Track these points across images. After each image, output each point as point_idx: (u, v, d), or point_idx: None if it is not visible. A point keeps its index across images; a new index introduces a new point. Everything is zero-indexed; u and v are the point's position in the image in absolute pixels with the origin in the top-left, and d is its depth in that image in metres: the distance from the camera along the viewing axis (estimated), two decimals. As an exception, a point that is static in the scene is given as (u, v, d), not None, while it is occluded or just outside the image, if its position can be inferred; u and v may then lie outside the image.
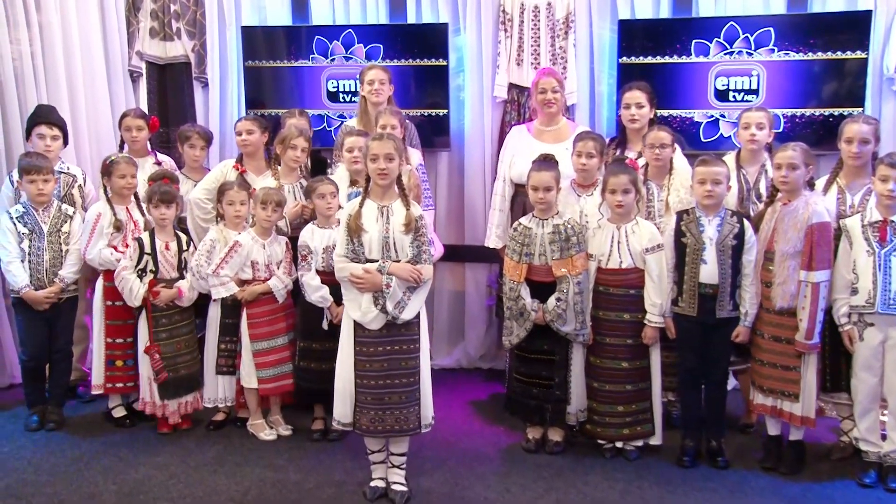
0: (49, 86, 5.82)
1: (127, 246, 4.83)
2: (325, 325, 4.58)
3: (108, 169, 4.86)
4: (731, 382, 4.88)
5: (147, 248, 4.75)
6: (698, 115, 5.52)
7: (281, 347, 4.77)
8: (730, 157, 4.73)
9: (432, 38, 5.84)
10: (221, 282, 4.69)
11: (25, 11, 5.70)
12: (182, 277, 4.81)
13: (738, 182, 4.63)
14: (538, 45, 5.72)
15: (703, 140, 5.51)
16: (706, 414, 4.47)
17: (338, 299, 4.42)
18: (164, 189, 4.78)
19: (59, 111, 5.39)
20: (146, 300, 4.72)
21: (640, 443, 4.52)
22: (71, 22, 5.93)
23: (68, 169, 5.28)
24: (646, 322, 4.36)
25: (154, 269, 4.75)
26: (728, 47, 5.41)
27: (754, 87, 5.42)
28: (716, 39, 5.42)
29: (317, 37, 5.99)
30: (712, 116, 5.50)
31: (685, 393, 4.52)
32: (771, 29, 5.35)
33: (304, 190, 4.89)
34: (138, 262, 4.73)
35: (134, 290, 4.71)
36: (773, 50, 5.35)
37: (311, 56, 6.00)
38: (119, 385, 4.95)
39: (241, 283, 4.74)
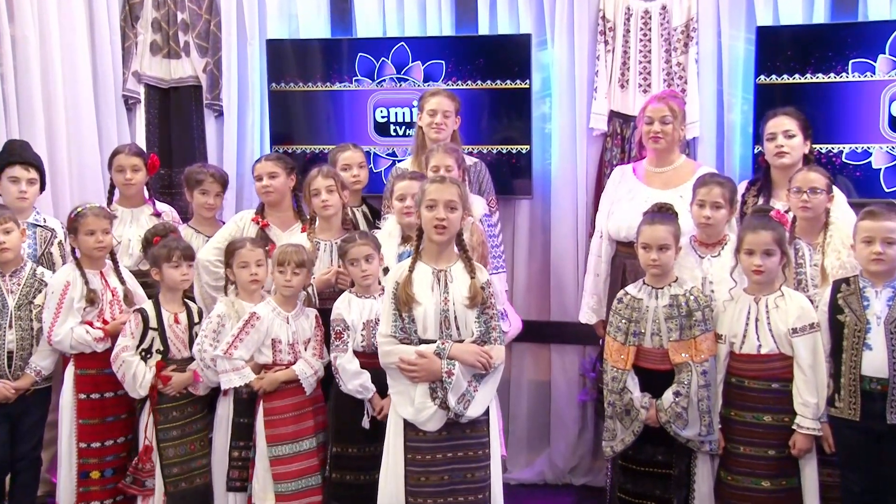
0: (22, 116, 5.95)
1: (105, 322, 4.89)
2: (365, 423, 4.59)
3: (72, 224, 4.92)
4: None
5: (153, 323, 4.79)
6: (862, 150, 5.48)
7: (307, 453, 4.73)
8: None
9: (511, 54, 5.93)
10: (234, 366, 4.67)
11: (-6, 22, 5.87)
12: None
13: None
14: (648, 62, 5.77)
15: (844, 161, 5.47)
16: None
17: (382, 388, 4.45)
18: (185, 244, 4.90)
19: (33, 148, 5.50)
20: (153, 389, 4.76)
21: (791, 593, 4.41)
22: (51, 36, 6.08)
23: (45, 221, 5.38)
24: (795, 427, 4.29)
25: (162, 348, 4.80)
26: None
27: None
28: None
29: (362, 53, 6.12)
30: (865, 151, 5.45)
31: (852, 527, 4.41)
32: None
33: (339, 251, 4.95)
34: (141, 341, 4.77)
35: (139, 376, 4.72)
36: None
37: (354, 77, 6.14)
38: None
39: (258, 368, 4.75)
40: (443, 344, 4.00)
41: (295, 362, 4.74)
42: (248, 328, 4.68)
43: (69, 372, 4.93)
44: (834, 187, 4.72)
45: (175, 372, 4.78)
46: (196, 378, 4.80)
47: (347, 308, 4.64)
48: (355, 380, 4.54)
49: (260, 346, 4.71)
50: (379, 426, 4.47)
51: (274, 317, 4.72)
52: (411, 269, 4.10)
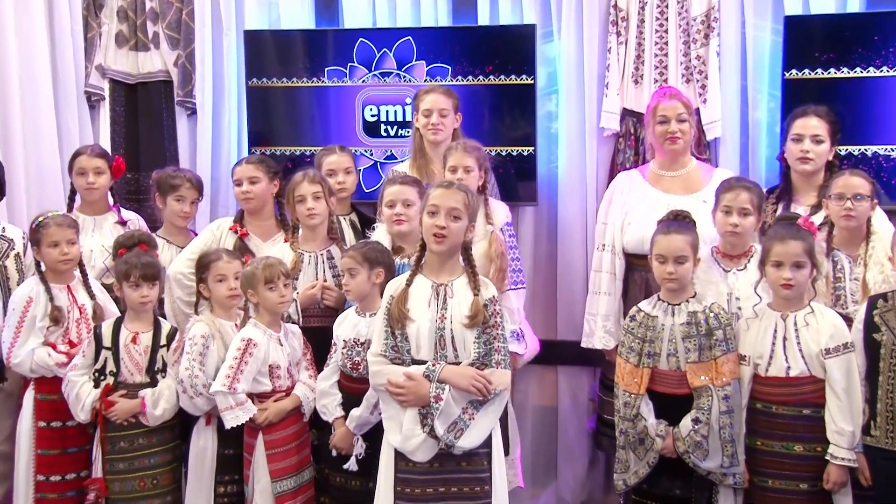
0: (-27, 116, 5.97)
1: (72, 345, 4.85)
2: (332, 450, 4.57)
3: (34, 236, 4.90)
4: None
5: (106, 341, 4.73)
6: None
7: (308, 483, 4.72)
8: None
9: (514, 47, 5.92)
10: (239, 401, 4.54)
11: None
12: (152, 383, 4.74)
13: None
14: (665, 56, 5.77)
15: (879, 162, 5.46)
16: None
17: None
18: (147, 261, 4.79)
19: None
20: (97, 413, 4.68)
21: None
22: (6, 26, 6.07)
23: (4, 231, 5.33)
24: (828, 458, 4.26)
25: (115, 369, 4.73)
26: None
27: None
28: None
29: (351, 45, 6.10)
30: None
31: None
32: None
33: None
34: (95, 361, 4.71)
35: (81, 397, 4.65)
36: None
37: (341, 72, 6.13)
38: None
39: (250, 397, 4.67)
40: (433, 365, 3.98)
41: (293, 387, 4.71)
42: (246, 357, 4.58)
43: (28, 397, 4.88)
44: (869, 193, 4.71)
45: (123, 398, 4.69)
46: (143, 407, 4.68)
47: (340, 323, 4.65)
48: (321, 399, 4.59)
49: (256, 374, 4.64)
50: (347, 456, 4.48)
51: (268, 340, 4.65)
52: (409, 283, 4.08)
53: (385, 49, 6.02)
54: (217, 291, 4.78)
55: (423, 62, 6.00)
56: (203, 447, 4.76)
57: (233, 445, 4.71)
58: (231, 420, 4.53)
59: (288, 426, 4.65)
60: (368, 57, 6.05)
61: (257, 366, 4.59)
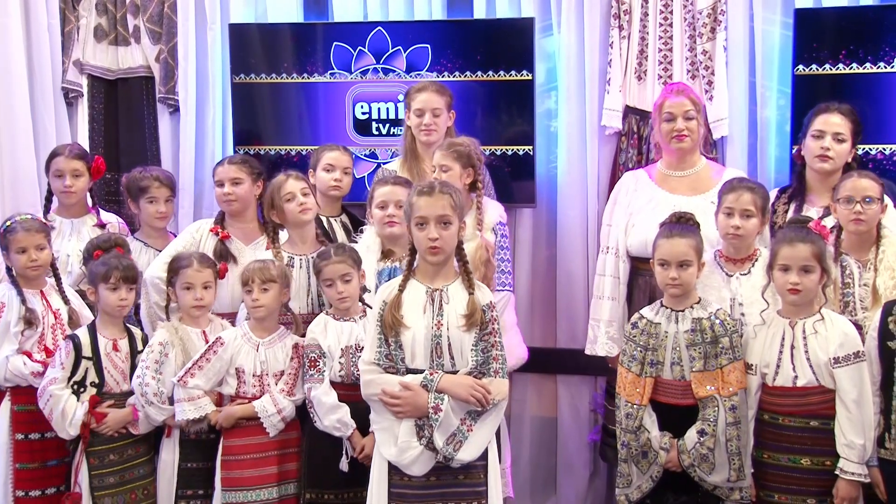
0: (-55, 112, 5.97)
1: (49, 352, 4.84)
2: (343, 465, 4.55)
3: (2, 240, 4.90)
4: None
5: (86, 351, 4.73)
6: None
7: None
8: None
9: (511, 42, 5.93)
10: (190, 396, 4.64)
11: None
12: None
13: None
14: (670, 50, 5.78)
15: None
16: None
17: (363, 425, 4.43)
18: (127, 263, 4.82)
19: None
20: (86, 427, 4.69)
21: None
22: (-22, 20, 6.11)
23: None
24: (838, 472, 4.26)
25: (98, 380, 4.74)
26: None
27: None
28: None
29: (340, 39, 6.11)
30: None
31: None
32: None
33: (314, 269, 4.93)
34: (73, 372, 4.71)
35: (68, 413, 4.64)
36: None
37: (331, 67, 6.13)
38: None
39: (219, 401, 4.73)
40: (431, 374, 3.98)
41: (261, 396, 4.69)
42: (209, 355, 4.65)
43: (4, 408, 4.87)
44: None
45: (112, 408, 4.73)
46: (135, 415, 4.74)
47: (323, 332, 4.62)
48: (332, 414, 4.50)
49: (225, 375, 4.68)
50: (359, 468, 4.45)
51: (242, 343, 4.68)
52: (401, 289, 4.07)
53: (375, 44, 6.00)
54: (183, 300, 4.82)
55: (415, 56, 5.98)
56: (166, 460, 4.80)
57: (194, 457, 4.76)
58: (179, 413, 4.62)
59: (244, 436, 4.65)
60: (361, 53, 6.04)
61: (221, 365, 4.65)
